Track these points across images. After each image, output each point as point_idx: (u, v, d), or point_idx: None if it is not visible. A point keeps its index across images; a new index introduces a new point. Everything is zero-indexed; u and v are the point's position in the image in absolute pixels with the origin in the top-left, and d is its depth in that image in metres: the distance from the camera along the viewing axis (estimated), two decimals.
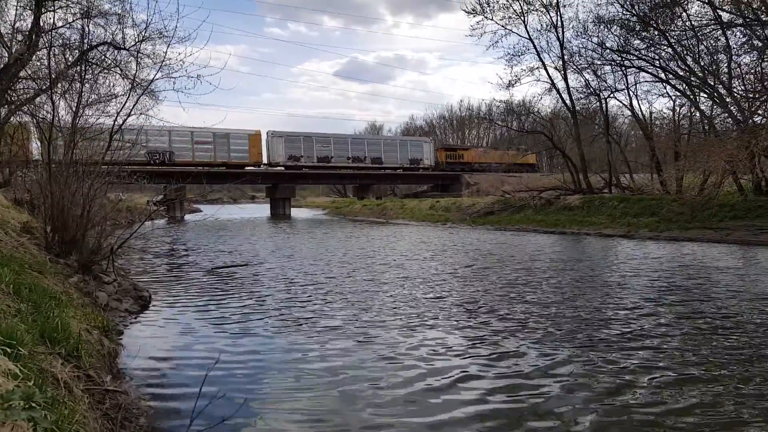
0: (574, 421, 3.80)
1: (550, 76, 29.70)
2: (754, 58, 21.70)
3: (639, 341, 5.70)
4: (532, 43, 29.45)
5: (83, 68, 11.88)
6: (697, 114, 25.87)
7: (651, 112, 29.47)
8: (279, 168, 44.78)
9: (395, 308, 7.27)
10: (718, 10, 21.52)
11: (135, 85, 10.13)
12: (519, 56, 29.79)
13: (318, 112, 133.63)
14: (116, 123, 8.79)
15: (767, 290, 8.57)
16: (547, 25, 29.14)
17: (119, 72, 14.04)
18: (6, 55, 15.01)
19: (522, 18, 29.08)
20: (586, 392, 4.34)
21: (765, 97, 19.81)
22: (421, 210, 34.17)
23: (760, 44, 21.03)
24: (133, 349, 5.57)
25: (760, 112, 20.04)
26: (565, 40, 28.71)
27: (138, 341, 5.91)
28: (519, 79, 29.89)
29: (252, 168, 43.31)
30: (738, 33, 22.28)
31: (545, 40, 37.69)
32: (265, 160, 44.34)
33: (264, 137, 44.20)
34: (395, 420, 3.84)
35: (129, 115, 9.03)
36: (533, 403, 4.12)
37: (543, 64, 29.72)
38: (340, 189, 69.11)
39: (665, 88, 26.79)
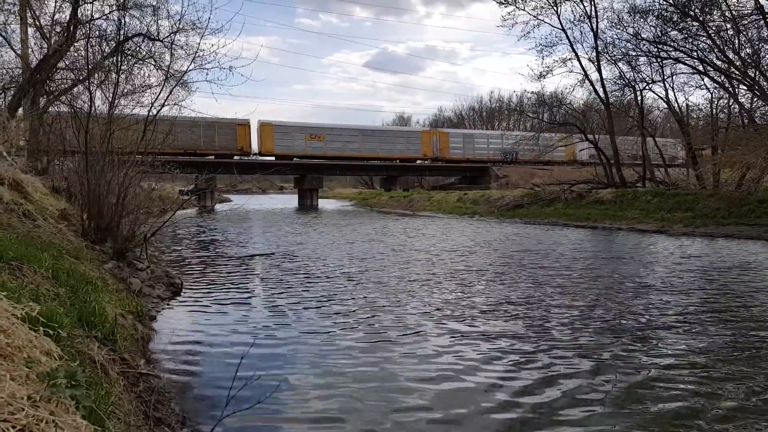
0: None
1: (583, 68, 29.12)
2: None
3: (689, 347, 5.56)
4: (565, 33, 28.91)
5: (119, 59, 12.17)
6: (736, 107, 25.01)
7: (687, 105, 28.59)
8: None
9: (426, 303, 7.20)
10: None
11: (169, 76, 10.32)
12: (551, 47, 29.31)
13: (347, 104, 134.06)
14: (150, 113, 8.96)
15: None
16: (580, 16, 28.60)
17: (153, 63, 14.34)
18: (45, 46, 15.45)
19: (555, 8, 28.54)
20: (629, 404, 4.23)
21: None
22: (449, 202, 33.98)
23: None
24: (166, 334, 5.70)
25: None
26: (599, 30, 28.09)
27: (170, 326, 6.04)
28: (551, 70, 29.39)
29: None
30: None
31: (578, 31, 37.08)
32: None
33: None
34: (428, 414, 3.80)
35: (163, 105, 9.22)
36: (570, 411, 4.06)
37: (576, 55, 29.15)
38: (367, 180, 69.21)
39: (703, 80, 25.97)
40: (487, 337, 5.59)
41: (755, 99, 22.95)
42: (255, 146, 43.58)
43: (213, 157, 41.08)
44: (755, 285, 8.63)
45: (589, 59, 28.96)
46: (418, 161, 48.47)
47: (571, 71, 29.92)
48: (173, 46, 12.70)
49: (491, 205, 29.92)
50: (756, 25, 21.65)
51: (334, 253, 12.46)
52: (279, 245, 14.17)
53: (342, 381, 4.33)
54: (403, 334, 5.67)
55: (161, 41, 13.56)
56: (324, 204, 47.39)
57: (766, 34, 21.91)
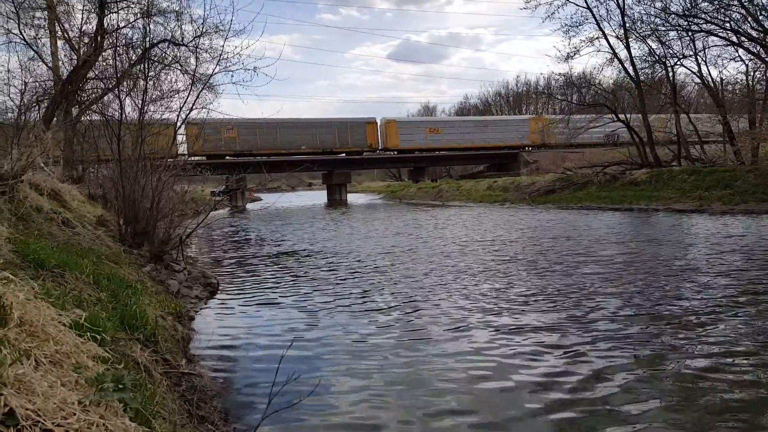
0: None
1: (611, 46, 28.38)
2: None
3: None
4: (591, 12, 28.20)
5: (146, 66, 12.41)
6: None
7: (722, 79, 27.56)
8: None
9: (463, 296, 7.10)
10: None
11: (195, 79, 10.47)
12: (577, 27, 28.68)
13: (371, 96, 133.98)
14: (179, 117, 9.12)
15: None
16: None
17: (179, 68, 14.59)
18: (75, 57, 15.87)
19: None
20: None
21: None
22: (478, 191, 33.70)
23: None
24: (205, 333, 5.80)
25: None
26: (626, 6, 27.30)
27: (209, 326, 6.15)
28: (578, 50, 28.78)
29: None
30: None
31: (605, 9, 35.89)
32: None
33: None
34: (470, 418, 3.72)
35: (191, 109, 9.36)
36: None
37: (603, 33, 28.43)
38: (394, 173, 69.14)
39: (737, 51, 24.94)
40: (529, 330, 5.45)
41: None
42: (381, 142, 46.75)
43: (344, 154, 45.45)
44: None
45: (617, 37, 28.22)
46: (527, 147, 49.37)
47: (599, 50, 29.21)
48: (198, 50, 12.91)
49: (522, 192, 29.54)
50: None
51: (365, 247, 12.49)
52: (310, 242, 14.28)
53: (380, 382, 4.28)
54: (442, 331, 5.57)
55: (186, 46, 13.80)
56: (353, 198, 47.57)
57: None
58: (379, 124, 46.40)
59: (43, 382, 1.86)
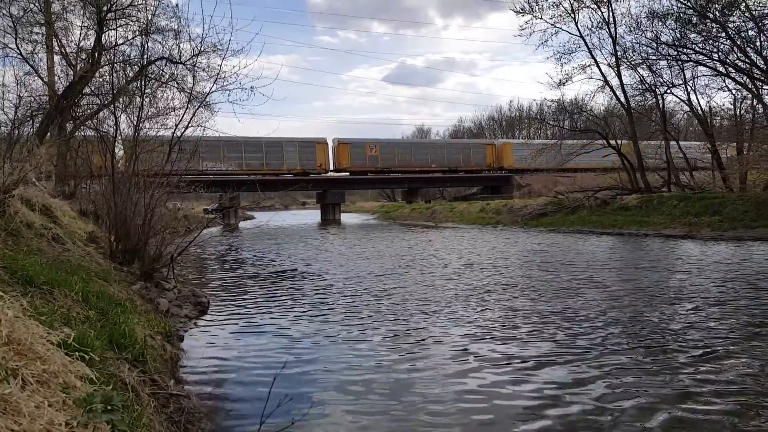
0: None
1: (602, 74, 28.85)
2: None
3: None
4: (584, 40, 28.71)
5: (143, 83, 12.44)
6: (761, 107, 24.47)
7: (710, 107, 28.07)
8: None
9: (458, 322, 7.02)
10: None
11: (192, 98, 10.51)
12: (570, 54, 29.15)
13: (367, 118, 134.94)
14: (175, 135, 9.13)
15: None
16: (598, 22, 28.33)
17: (176, 86, 14.65)
18: (71, 73, 15.92)
19: (572, 15, 28.39)
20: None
21: None
22: (471, 213, 33.81)
23: None
24: (194, 353, 5.74)
25: None
26: (617, 36, 27.83)
27: (198, 346, 6.08)
28: (570, 77, 29.20)
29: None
30: None
31: (597, 37, 36.86)
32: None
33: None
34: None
35: (187, 127, 9.36)
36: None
37: (595, 61, 28.91)
38: (388, 193, 69.32)
39: (725, 81, 25.50)
40: (523, 360, 5.31)
41: None
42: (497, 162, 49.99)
43: (463, 172, 49.20)
44: None
45: (609, 65, 28.72)
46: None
47: (591, 77, 29.86)
48: (195, 68, 12.96)
49: (514, 215, 29.67)
50: None
51: (359, 268, 12.45)
52: (303, 262, 14.23)
53: (373, 407, 4.23)
54: (438, 358, 5.45)
55: (183, 64, 13.85)
56: (346, 218, 47.56)
57: None
58: (496, 145, 50.62)
59: (29, 403, 1.83)
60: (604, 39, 32.46)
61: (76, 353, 2.74)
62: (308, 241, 22.21)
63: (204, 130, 10.33)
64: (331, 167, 45.68)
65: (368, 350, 5.73)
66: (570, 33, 29.25)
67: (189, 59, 13.14)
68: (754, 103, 25.05)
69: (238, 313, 7.81)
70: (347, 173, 45.87)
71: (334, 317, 7.33)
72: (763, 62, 22.19)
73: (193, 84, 12.00)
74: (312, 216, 49.76)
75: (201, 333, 6.79)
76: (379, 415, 4.05)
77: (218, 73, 9.73)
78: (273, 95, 15.25)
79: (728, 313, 6.92)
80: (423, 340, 6.08)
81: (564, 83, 29.34)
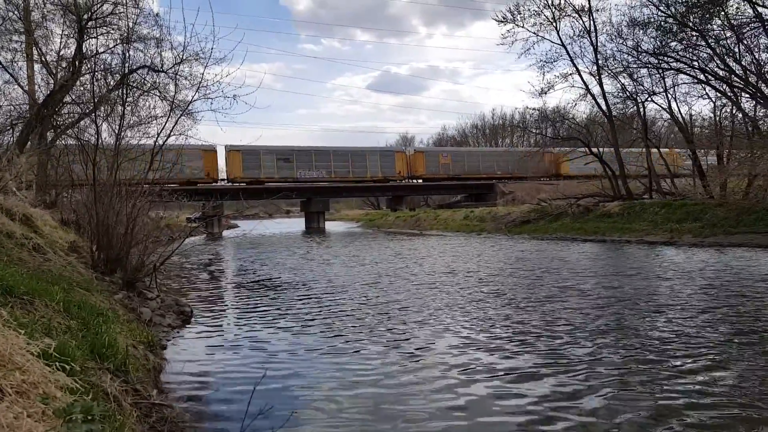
0: None
1: (584, 82, 29.31)
2: None
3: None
4: (565, 49, 29.19)
5: (124, 91, 12.34)
6: (740, 115, 25.02)
7: (691, 115, 28.66)
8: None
9: (443, 330, 7.00)
10: (758, 7, 20.86)
11: (174, 106, 10.45)
12: (552, 63, 29.63)
13: (351, 126, 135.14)
14: (157, 144, 9.06)
15: None
16: (580, 31, 28.83)
17: (158, 94, 14.55)
18: (52, 82, 15.75)
19: (554, 24, 28.87)
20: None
21: None
22: (455, 220, 33.96)
23: None
24: (177, 363, 5.68)
25: None
26: (599, 44, 28.33)
27: (181, 355, 6.02)
28: (552, 85, 29.68)
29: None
30: None
31: (578, 46, 37.36)
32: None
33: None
34: None
35: (169, 136, 9.29)
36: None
37: (577, 69, 29.39)
38: (373, 201, 69.37)
39: (705, 89, 26.07)
40: (507, 372, 5.22)
41: (758, 107, 22.96)
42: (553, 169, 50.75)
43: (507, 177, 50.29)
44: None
45: (590, 73, 29.21)
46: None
47: (573, 86, 30.16)
48: (177, 76, 12.89)
49: (498, 222, 29.87)
50: (755, 34, 21.77)
51: (343, 277, 12.41)
52: (287, 270, 14.17)
53: (356, 416, 4.20)
54: (423, 370, 5.36)
55: (165, 72, 13.76)
56: (331, 226, 47.46)
57: (765, 42, 22.04)
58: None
59: (8, 414, 1.81)
60: (585, 47, 33.08)
61: (57, 363, 2.70)
62: (292, 249, 22.12)
63: (186, 138, 10.27)
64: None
65: (350, 362, 5.62)
66: (552, 42, 29.75)
67: (171, 68, 13.08)
68: (733, 110, 25.62)
69: (222, 323, 7.75)
70: (421, 180, 49.19)
71: (318, 328, 7.24)
72: (741, 70, 22.72)
73: (175, 92, 11.93)
74: (296, 224, 49.62)
75: (184, 342, 6.72)
76: (361, 426, 4.02)
77: (200, 82, 9.70)
78: (256, 103, 15.19)
79: (710, 321, 7.00)
80: (407, 351, 6.00)
81: (546, 91, 29.81)
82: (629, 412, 4.08)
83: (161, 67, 13.88)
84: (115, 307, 6.67)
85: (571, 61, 29.25)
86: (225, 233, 40.10)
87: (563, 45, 29.07)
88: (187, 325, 7.63)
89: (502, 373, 5.13)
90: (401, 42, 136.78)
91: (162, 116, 11.40)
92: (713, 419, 3.90)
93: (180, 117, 9.89)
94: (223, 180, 43.60)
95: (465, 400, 4.49)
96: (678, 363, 5.22)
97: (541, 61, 29.98)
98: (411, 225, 37.48)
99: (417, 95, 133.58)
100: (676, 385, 4.62)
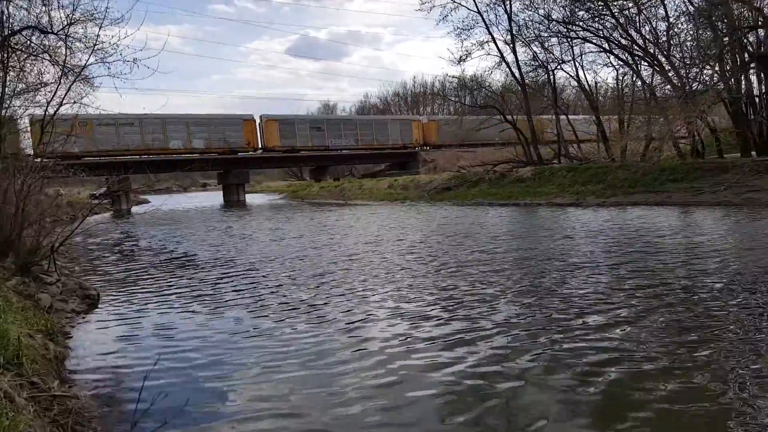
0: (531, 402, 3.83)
1: (499, 50, 29.94)
2: (691, 27, 22.47)
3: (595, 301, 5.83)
4: (481, 16, 29.59)
5: (6, 55, 11.08)
6: (639, 82, 26.70)
7: (596, 82, 30.27)
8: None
9: (370, 301, 6.90)
10: None
11: (66, 71, 9.53)
12: (469, 30, 29.97)
13: (270, 92, 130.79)
14: (47, 113, 8.27)
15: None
16: None
17: (48, 58, 13.24)
18: None
19: None
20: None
21: (701, 64, 20.58)
22: (380, 189, 34.14)
23: (693, 10, 21.80)
24: (83, 350, 5.34)
25: (697, 78, 20.85)
26: (513, 12, 28.93)
27: (87, 342, 5.67)
28: (470, 53, 30.07)
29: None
30: (676, 1, 23.06)
31: (494, 14, 37.97)
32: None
33: None
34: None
35: (61, 104, 8.50)
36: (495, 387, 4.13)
37: (492, 37, 29.93)
38: (296, 171, 68.12)
39: (609, 58, 27.51)
40: (432, 340, 5.15)
41: (656, 75, 24.57)
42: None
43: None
44: (656, 247, 9.29)
45: (505, 42, 29.85)
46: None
47: (489, 54, 30.71)
48: (69, 39, 11.71)
49: (421, 190, 30.34)
50: (654, 4, 23.12)
51: (267, 253, 12.01)
52: (203, 248, 13.63)
53: (260, 403, 3.97)
54: (337, 342, 5.26)
55: (55, 34, 12.47)
56: (252, 199, 46.20)
57: (663, 13, 23.51)
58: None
59: None
60: (500, 16, 33.66)
61: None
62: (211, 224, 21.34)
63: (80, 106, 9.46)
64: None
65: (271, 344, 5.31)
66: (468, 9, 30.05)
67: (61, 29, 11.86)
68: (634, 78, 27.30)
69: (132, 306, 7.30)
70: (430, 147, 50.00)
71: (238, 308, 6.86)
72: (642, 40, 24.13)
73: (66, 56, 10.88)
74: (214, 198, 47.82)
75: (91, 328, 6.33)
76: (260, 412, 3.83)
77: (95, 44, 8.90)
78: (162, 68, 14.25)
79: (617, 277, 7.45)
80: (337, 327, 5.74)
81: (464, 59, 30.21)
82: (557, 372, 4.19)
83: (50, 28, 12.58)
84: (7, 294, 6.12)
85: (487, 28, 29.78)
86: (134, 209, 37.99)
87: (479, 12, 29.48)
88: (94, 310, 7.17)
89: (431, 342, 5.06)
90: (320, 4, 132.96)
91: (53, 83, 10.41)
92: (629, 373, 4.09)
93: (73, 83, 9.06)
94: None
95: (398, 375, 4.38)
96: (593, 320, 5.42)
97: (458, 28, 30.28)
98: (336, 195, 37.26)
99: (338, 61, 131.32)
100: (594, 341, 4.78)
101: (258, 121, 45.25)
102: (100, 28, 9.04)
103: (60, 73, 9.32)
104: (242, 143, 43.92)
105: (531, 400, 3.80)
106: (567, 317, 5.57)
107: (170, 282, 8.88)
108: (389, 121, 51.90)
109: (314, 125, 47.12)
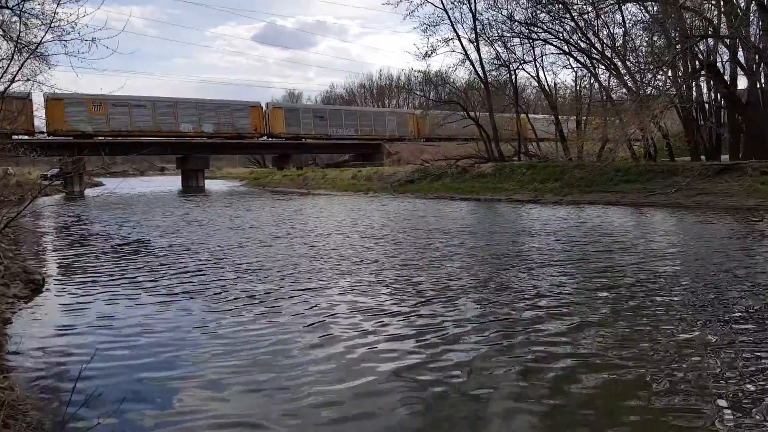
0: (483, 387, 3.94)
1: (464, 48, 30.23)
2: (647, 33, 23.19)
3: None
4: (447, 13, 29.76)
5: None
6: (597, 85, 27.44)
7: (556, 83, 30.94)
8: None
9: (330, 294, 6.76)
10: None
11: (20, 47, 9.11)
12: (434, 26, 30.10)
13: (235, 79, 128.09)
14: None
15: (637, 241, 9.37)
16: None
17: (1, 33, 12.64)
18: None
19: None
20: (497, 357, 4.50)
21: (655, 70, 21.30)
22: (343, 180, 34.04)
23: (648, 17, 22.53)
24: (23, 338, 5.16)
25: (651, 83, 21.56)
26: (477, 12, 29.22)
27: (28, 329, 5.49)
28: (435, 49, 30.23)
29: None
30: (633, 8, 23.79)
31: (459, 12, 38.20)
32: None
33: None
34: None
35: (13, 81, 8.13)
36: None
37: (457, 35, 30.20)
38: (258, 159, 67.15)
39: (569, 60, 28.15)
40: (396, 335, 5.14)
41: (612, 78, 25.29)
42: None
43: None
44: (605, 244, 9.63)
45: (469, 40, 30.13)
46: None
47: (454, 51, 30.99)
48: (24, 14, 11.19)
49: (385, 182, 30.41)
50: (612, 10, 23.73)
51: (225, 241, 11.78)
52: (157, 234, 13.33)
53: (201, 403, 3.79)
54: (289, 338, 5.08)
55: (10, 8, 11.90)
56: (212, 185, 45.33)
57: (619, 19, 24.17)
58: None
59: None
60: (465, 14, 34.04)
61: None
62: (169, 210, 20.86)
63: (34, 84, 9.07)
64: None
65: (227, 337, 5.10)
66: (435, 5, 30.16)
67: (16, 4, 11.33)
68: (592, 81, 28.03)
69: (78, 292, 7.10)
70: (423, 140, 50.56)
71: (193, 299, 6.62)
72: (600, 45, 24.78)
73: (20, 32, 10.42)
74: (172, 183, 46.73)
75: (33, 314, 6.13)
76: (201, 415, 3.63)
77: (52, 21, 8.54)
78: (121, 49, 13.77)
79: (572, 275, 7.61)
80: (296, 322, 5.55)
81: (429, 54, 30.34)
82: (504, 369, 4.21)
83: (5, 3, 11.98)
84: None
85: (452, 26, 30.00)
86: (87, 192, 36.74)
87: (445, 9, 29.63)
88: (39, 295, 6.95)
89: (393, 338, 4.98)
90: None
91: (5, 59, 9.94)
92: (586, 372, 4.16)
93: (27, 59, 8.68)
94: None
95: (332, 363, 4.40)
96: (551, 317, 5.45)
97: (425, 24, 30.26)
98: (299, 185, 36.93)
99: (304, 50, 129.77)
100: (552, 337, 4.83)
101: (264, 108, 46.32)
102: (58, 4, 8.69)
103: (13, 49, 8.89)
104: (250, 129, 45.18)
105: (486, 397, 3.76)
106: (521, 311, 5.72)
107: (121, 269, 8.62)
108: (387, 114, 54.82)
109: (318, 114, 49.16)
